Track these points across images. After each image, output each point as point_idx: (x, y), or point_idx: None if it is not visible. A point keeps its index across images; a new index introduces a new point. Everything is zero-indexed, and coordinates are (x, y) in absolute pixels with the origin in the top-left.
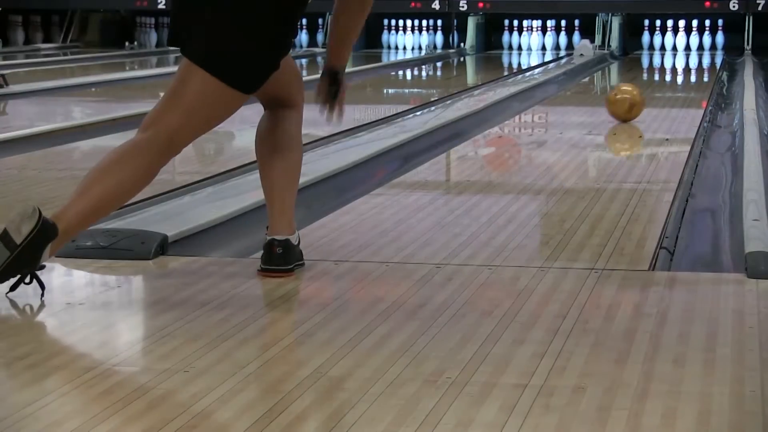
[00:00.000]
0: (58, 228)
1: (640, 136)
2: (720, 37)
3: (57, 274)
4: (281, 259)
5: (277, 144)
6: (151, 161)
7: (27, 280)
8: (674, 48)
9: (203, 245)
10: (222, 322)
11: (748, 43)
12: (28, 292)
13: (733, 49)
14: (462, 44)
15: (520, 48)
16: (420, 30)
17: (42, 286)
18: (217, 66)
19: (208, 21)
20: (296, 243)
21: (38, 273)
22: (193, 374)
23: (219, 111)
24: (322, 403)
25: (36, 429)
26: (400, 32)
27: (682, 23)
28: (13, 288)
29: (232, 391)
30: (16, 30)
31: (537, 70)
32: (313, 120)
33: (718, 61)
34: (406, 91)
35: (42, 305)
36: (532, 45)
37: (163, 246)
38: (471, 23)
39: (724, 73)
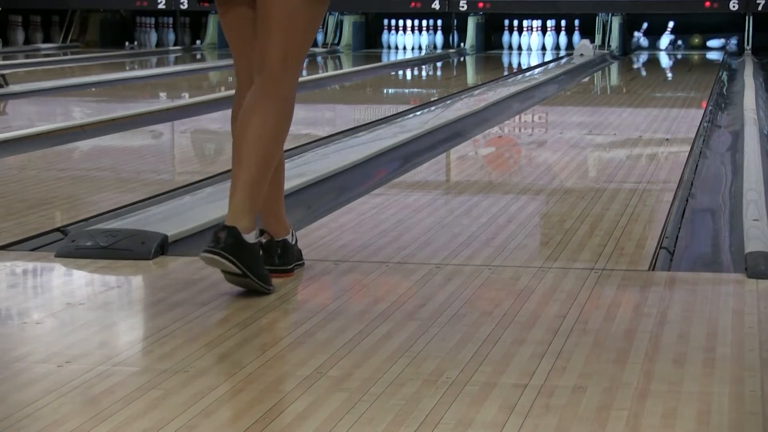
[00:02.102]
0: (236, 228)
1: (640, 136)
2: None
3: (57, 274)
4: (280, 259)
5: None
6: (279, 102)
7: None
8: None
9: (203, 245)
10: (222, 322)
11: (748, 43)
12: (28, 293)
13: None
14: (462, 44)
15: (520, 48)
16: (420, 30)
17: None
18: None
19: None
20: (293, 242)
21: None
22: (193, 374)
23: (314, 20)
24: (322, 403)
25: (36, 429)
26: (400, 32)
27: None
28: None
29: (232, 391)
30: (16, 30)
31: (537, 70)
32: (313, 120)
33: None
34: (406, 91)
35: (44, 305)
36: (532, 45)
37: (163, 246)
38: (471, 23)
39: (724, 73)
